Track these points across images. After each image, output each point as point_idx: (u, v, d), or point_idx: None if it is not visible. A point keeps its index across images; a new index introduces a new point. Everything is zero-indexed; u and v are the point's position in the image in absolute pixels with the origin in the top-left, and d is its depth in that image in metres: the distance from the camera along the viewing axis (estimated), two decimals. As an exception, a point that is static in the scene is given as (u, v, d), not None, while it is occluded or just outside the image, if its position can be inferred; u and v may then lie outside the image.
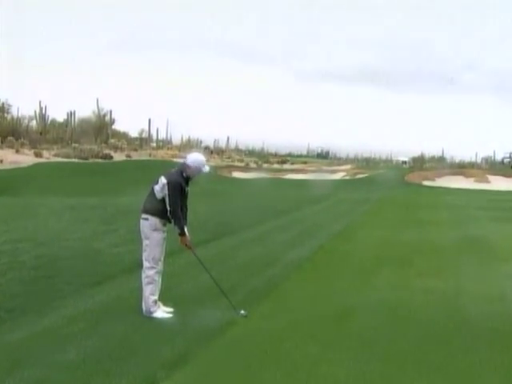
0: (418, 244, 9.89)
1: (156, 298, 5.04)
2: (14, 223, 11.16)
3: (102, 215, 12.94)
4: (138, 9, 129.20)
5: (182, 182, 5.04)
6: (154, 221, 5.02)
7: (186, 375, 3.75)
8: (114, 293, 5.84)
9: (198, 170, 5.13)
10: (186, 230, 5.11)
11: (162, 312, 5.05)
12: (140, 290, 5.11)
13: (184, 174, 5.09)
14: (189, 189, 5.19)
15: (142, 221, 5.09)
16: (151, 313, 4.99)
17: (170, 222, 5.08)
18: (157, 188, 5.05)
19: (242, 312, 5.09)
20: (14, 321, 4.79)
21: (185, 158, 5.25)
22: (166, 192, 4.97)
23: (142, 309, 5.04)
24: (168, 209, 4.98)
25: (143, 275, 5.06)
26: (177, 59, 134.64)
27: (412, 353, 4.26)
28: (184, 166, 5.11)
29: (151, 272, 5.02)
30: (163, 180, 5.02)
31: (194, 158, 5.17)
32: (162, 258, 5.20)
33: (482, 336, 4.71)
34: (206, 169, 5.18)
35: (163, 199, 5.00)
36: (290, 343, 4.40)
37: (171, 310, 5.13)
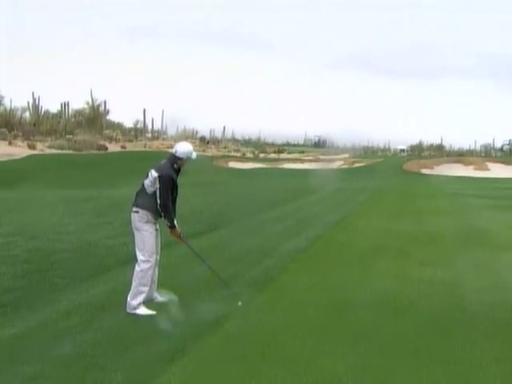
0: (416, 233, 9.86)
1: (145, 295, 4.94)
2: (6, 216, 11.06)
3: (96, 207, 12.86)
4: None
5: (173, 175, 4.99)
6: (145, 214, 4.96)
7: (183, 369, 3.69)
8: (108, 286, 5.76)
9: (187, 159, 5.10)
10: (175, 222, 5.04)
11: (146, 309, 4.90)
12: (131, 283, 4.99)
13: (175, 166, 5.03)
14: (179, 180, 5.13)
15: (132, 214, 5.03)
16: (135, 309, 4.86)
17: (161, 217, 5.01)
18: (147, 182, 4.97)
19: (239, 304, 5.05)
20: (7, 316, 4.72)
21: (173, 148, 5.15)
22: (158, 186, 4.89)
23: (125, 304, 4.88)
24: (158, 202, 4.91)
25: (137, 268, 4.96)
26: (172, 48, 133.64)
27: (411, 344, 4.22)
28: (175, 159, 5.04)
29: (146, 266, 4.94)
30: (154, 174, 4.93)
31: (184, 149, 5.08)
32: (159, 251, 5.13)
33: (482, 326, 4.67)
34: (194, 155, 5.12)
35: (154, 193, 4.93)
36: (288, 335, 4.35)
37: (154, 312, 4.90)
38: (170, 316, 4.77)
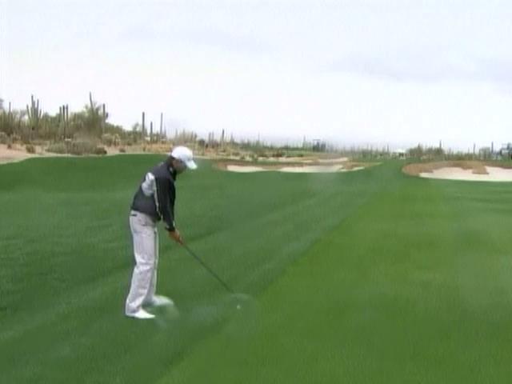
0: (415, 237, 9.87)
1: (144, 297, 4.93)
2: (6, 219, 11.05)
3: (95, 210, 12.86)
4: (130, 2, 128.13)
5: (169, 177, 4.98)
6: (143, 217, 4.96)
7: (182, 372, 3.69)
8: (107, 289, 5.76)
9: (184, 165, 5.05)
10: (174, 224, 5.04)
11: (145, 313, 4.88)
12: (129, 286, 4.98)
13: (171, 169, 5.02)
14: (175, 183, 5.11)
15: (131, 217, 5.03)
16: (134, 311, 4.85)
17: (160, 219, 5.01)
18: (144, 185, 4.98)
19: (238, 307, 5.06)
20: (7, 318, 4.73)
21: (171, 151, 5.15)
22: (155, 188, 4.89)
23: (124, 307, 4.87)
24: (157, 205, 4.91)
25: (136, 271, 4.96)
26: (170, 52, 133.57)
27: (410, 347, 4.22)
28: (171, 160, 5.03)
29: (145, 268, 4.93)
30: (150, 176, 4.94)
31: (181, 151, 5.07)
32: (157, 254, 5.12)
33: (481, 329, 4.67)
34: (193, 165, 5.07)
35: (152, 196, 4.92)
36: (287, 339, 4.35)
37: (153, 316, 4.88)
38: (168, 319, 4.77)
